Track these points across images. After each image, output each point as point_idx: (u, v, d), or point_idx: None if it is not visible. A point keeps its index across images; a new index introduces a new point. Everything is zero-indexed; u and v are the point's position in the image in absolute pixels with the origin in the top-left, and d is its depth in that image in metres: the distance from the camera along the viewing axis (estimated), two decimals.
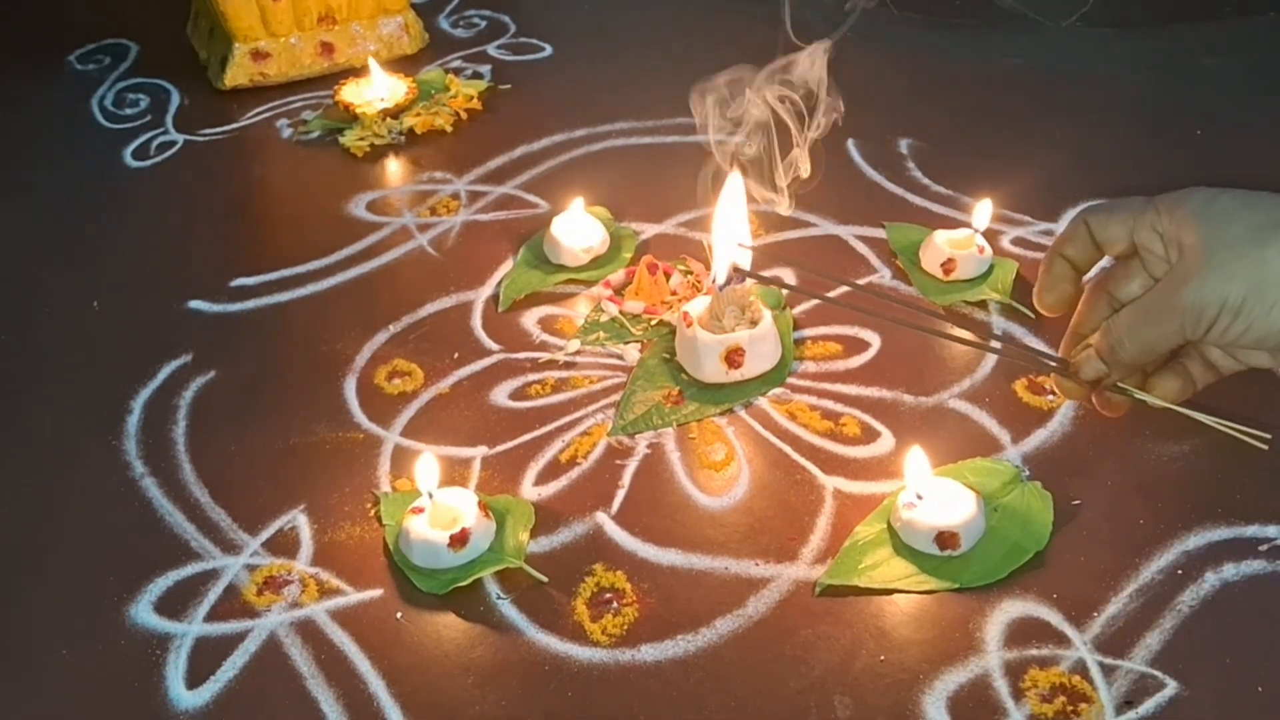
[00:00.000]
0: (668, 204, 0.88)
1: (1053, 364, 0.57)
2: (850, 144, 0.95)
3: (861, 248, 0.84)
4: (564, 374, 0.74)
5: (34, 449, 0.71)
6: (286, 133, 1.00)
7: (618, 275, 0.81)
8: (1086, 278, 0.57)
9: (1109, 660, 0.56)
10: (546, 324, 0.78)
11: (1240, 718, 0.53)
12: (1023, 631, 0.57)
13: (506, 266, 0.83)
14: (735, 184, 0.73)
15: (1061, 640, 0.57)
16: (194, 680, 0.57)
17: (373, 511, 0.65)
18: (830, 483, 0.66)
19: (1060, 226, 0.84)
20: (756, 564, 0.61)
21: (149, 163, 0.97)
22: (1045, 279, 0.56)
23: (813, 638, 0.58)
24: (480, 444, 0.69)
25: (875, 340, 0.75)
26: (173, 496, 0.67)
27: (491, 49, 1.12)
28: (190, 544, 0.64)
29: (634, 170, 0.93)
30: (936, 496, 0.61)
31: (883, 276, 0.81)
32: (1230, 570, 0.59)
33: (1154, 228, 0.50)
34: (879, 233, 0.84)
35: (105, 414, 0.72)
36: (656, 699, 0.55)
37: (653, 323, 0.77)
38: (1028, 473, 0.65)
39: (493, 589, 0.61)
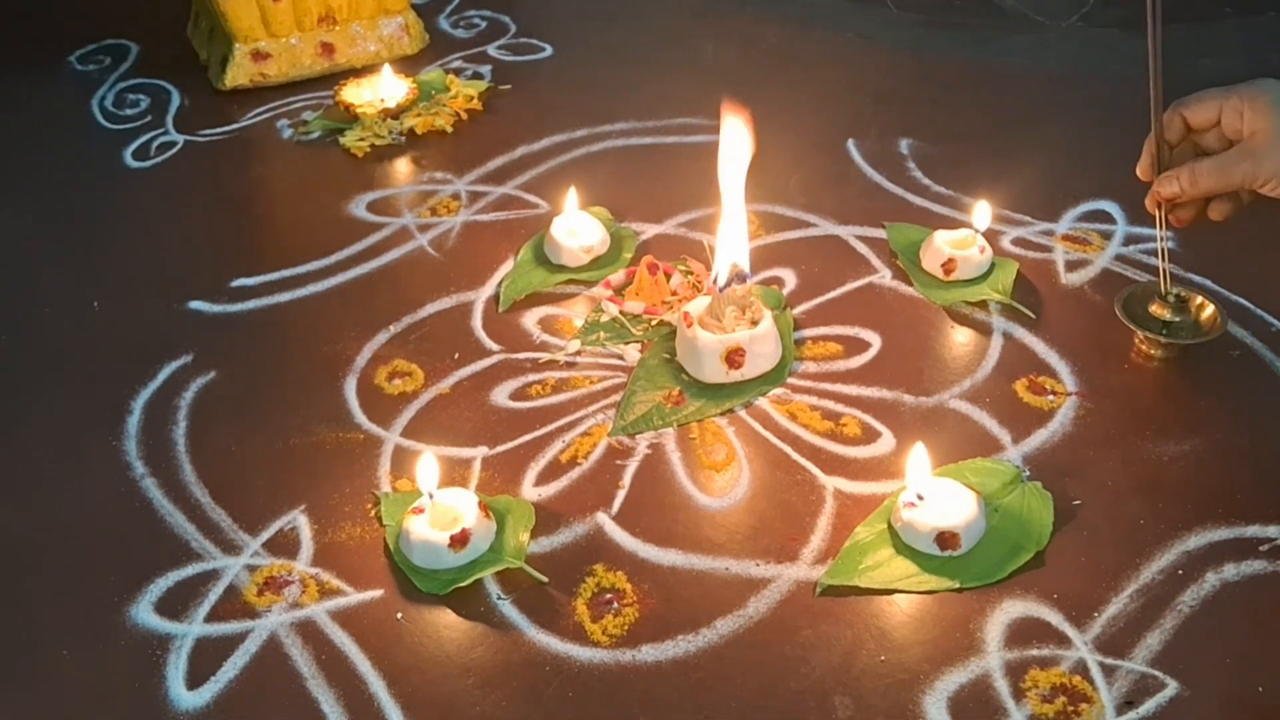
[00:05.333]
0: (668, 204, 0.88)
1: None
2: (850, 144, 0.95)
3: (861, 248, 0.83)
4: (564, 374, 0.74)
5: (34, 449, 0.70)
6: (287, 133, 1.00)
7: (618, 275, 0.81)
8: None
9: (1109, 660, 0.56)
10: (547, 324, 0.78)
11: (1240, 718, 0.53)
12: (1023, 631, 0.57)
13: (507, 267, 0.83)
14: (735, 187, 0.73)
15: (1062, 640, 0.57)
16: (194, 681, 0.57)
17: (373, 512, 0.65)
18: (831, 483, 0.66)
19: (1061, 226, 0.84)
20: (757, 564, 0.61)
21: (149, 163, 0.97)
22: (1146, 159, 0.72)
23: (813, 638, 0.58)
24: (480, 444, 0.69)
25: (875, 340, 0.75)
26: (173, 497, 0.67)
27: (491, 49, 1.12)
28: (190, 544, 0.64)
29: (634, 170, 0.93)
30: (937, 497, 0.61)
31: (883, 276, 0.81)
32: (1231, 570, 0.60)
33: (1237, 110, 0.67)
34: (879, 233, 0.84)
35: (105, 414, 0.72)
36: (657, 699, 0.55)
37: (653, 323, 0.77)
38: (1028, 473, 0.65)
39: (493, 589, 0.61)
